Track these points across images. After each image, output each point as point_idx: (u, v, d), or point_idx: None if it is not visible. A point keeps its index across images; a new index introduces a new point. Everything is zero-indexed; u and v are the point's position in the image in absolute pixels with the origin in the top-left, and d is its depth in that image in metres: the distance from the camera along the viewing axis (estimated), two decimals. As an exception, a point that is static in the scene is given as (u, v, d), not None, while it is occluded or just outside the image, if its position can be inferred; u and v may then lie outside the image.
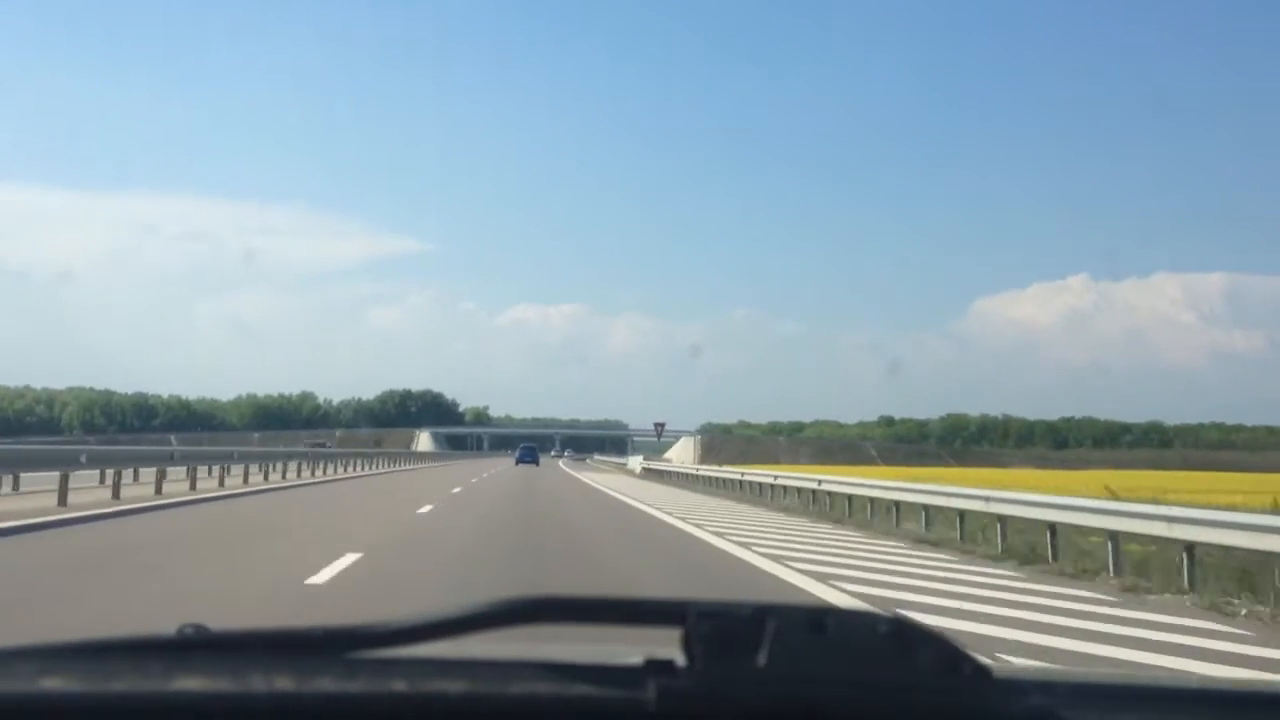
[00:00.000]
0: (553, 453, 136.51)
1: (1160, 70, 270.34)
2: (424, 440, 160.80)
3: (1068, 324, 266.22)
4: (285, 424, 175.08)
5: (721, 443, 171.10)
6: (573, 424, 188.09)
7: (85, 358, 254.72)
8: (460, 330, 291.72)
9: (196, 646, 1.07)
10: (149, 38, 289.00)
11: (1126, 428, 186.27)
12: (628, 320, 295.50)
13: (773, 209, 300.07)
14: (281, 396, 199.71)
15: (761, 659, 0.94)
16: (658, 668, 0.97)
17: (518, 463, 67.60)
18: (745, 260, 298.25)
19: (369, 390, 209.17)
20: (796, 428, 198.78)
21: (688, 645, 0.96)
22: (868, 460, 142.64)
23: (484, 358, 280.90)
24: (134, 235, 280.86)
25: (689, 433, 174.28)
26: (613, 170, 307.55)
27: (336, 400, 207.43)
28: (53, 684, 0.95)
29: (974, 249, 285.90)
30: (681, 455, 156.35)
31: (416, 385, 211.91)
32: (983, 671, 1.00)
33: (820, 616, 0.98)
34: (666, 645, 0.98)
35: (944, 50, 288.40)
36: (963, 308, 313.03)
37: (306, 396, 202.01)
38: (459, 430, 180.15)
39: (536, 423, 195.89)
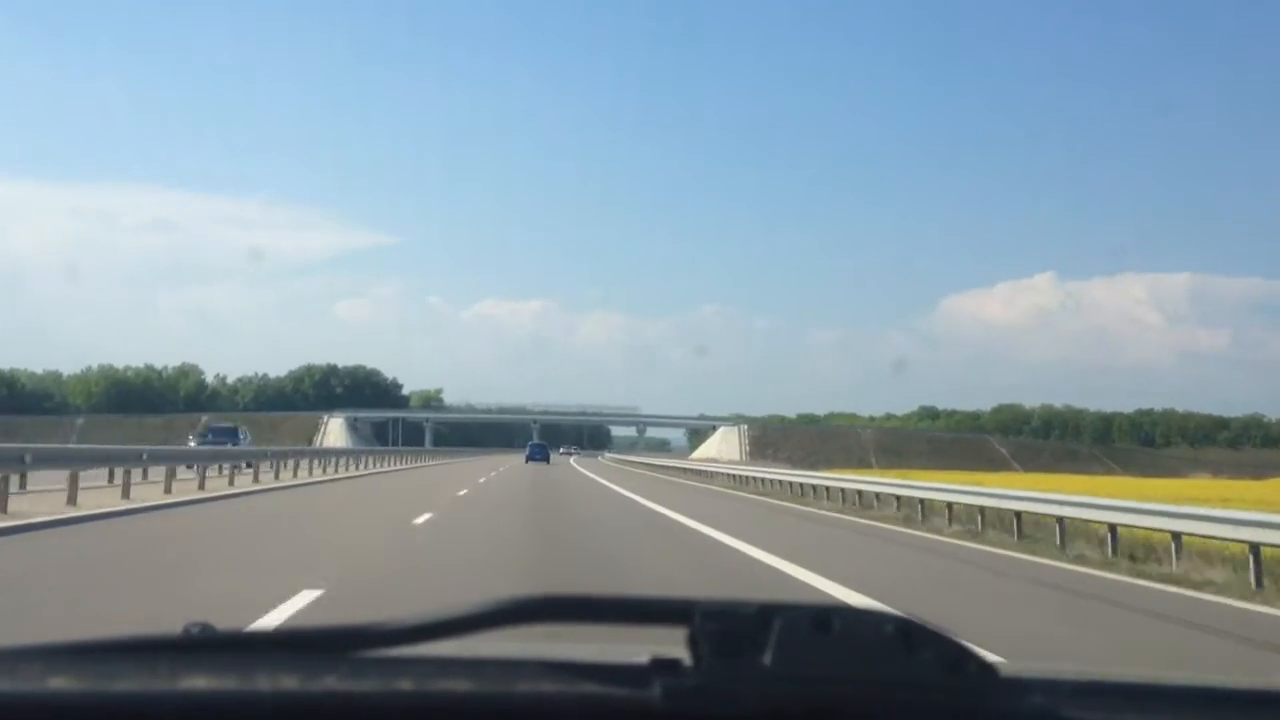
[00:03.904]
0: (562, 450, 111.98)
1: (1141, 70, 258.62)
2: (335, 429, 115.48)
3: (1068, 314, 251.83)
4: (153, 406, 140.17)
5: (779, 435, 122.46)
6: (545, 412, 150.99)
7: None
8: (423, 323, 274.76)
9: (203, 646, 1.07)
10: (114, 26, 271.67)
11: (1223, 423, 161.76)
12: (599, 316, 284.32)
13: (746, 203, 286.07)
14: (149, 369, 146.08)
15: (767, 658, 0.94)
16: (663, 667, 0.97)
17: (528, 460, 64.08)
18: (719, 254, 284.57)
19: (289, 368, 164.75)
20: (809, 420, 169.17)
21: (693, 644, 0.96)
22: (999, 463, 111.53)
23: (445, 349, 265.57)
24: (91, 224, 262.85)
25: (727, 422, 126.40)
26: (584, 163, 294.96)
27: (233, 377, 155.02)
28: (59, 683, 0.95)
29: (968, 240, 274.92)
30: (722, 451, 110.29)
31: (347, 362, 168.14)
32: (988, 670, 1.00)
33: (826, 615, 0.97)
34: (672, 645, 0.98)
35: (916, 49, 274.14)
36: (937, 301, 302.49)
37: (186, 371, 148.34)
38: (394, 415, 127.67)
39: (504, 410, 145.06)
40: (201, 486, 20.50)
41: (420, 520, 15.89)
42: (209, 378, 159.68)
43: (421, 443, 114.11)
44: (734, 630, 0.95)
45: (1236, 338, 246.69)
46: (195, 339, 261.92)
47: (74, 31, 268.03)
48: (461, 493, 24.46)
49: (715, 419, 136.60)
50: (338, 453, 43.60)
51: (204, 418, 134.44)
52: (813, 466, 64.30)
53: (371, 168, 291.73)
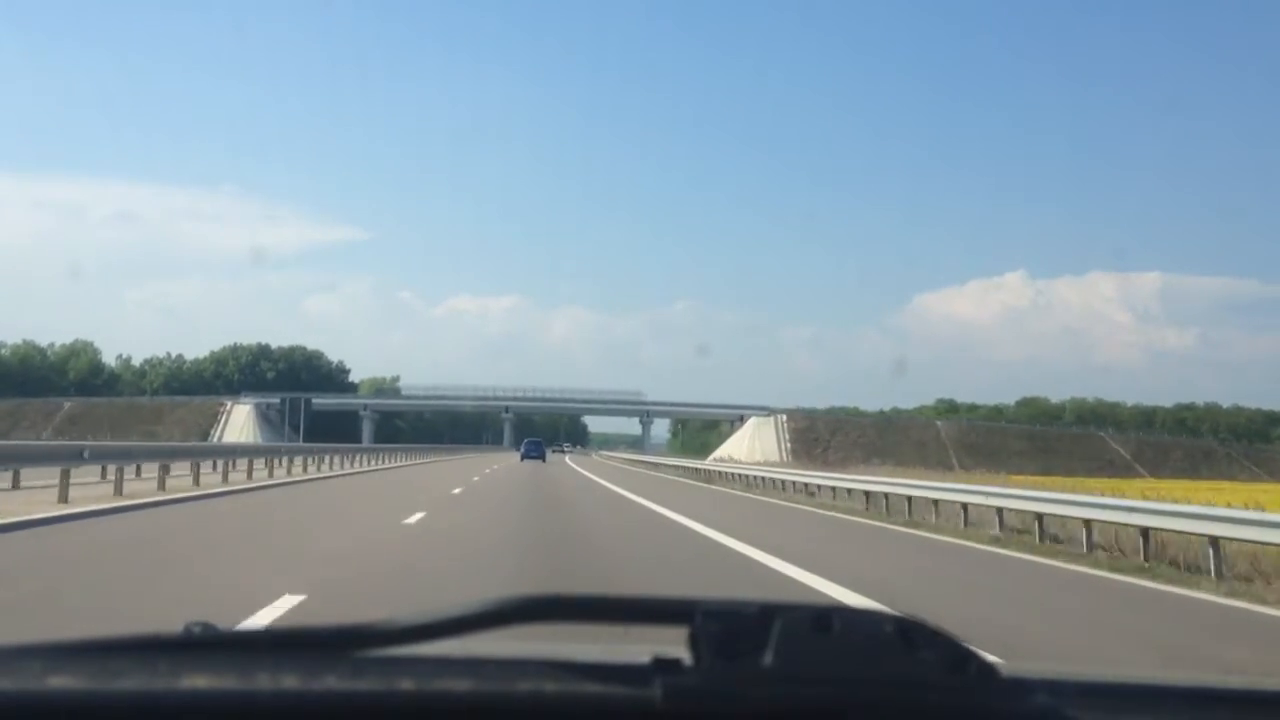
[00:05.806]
0: (555, 448, 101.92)
1: (1134, 69, 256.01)
2: (240, 419, 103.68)
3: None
4: (33, 390, 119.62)
5: (831, 429, 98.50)
6: (517, 398, 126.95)
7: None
8: (394, 318, 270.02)
9: (203, 645, 1.07)
10: (81, 18, 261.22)
11: (1275, 418, 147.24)
12: (571, 312, 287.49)
13: (722, 198, 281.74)
14: (29, 346, 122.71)
15: (768, 658, 0.94)
16: (664, 666, 0.97)
17: (524, 458, 63.59)
18: (693, 250, 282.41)
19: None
20: (822, 411, 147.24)
21: (694, 644, 0.96)
22: (1121, 467, 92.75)
23: (416, 345, 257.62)
24: (52, 216, 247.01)
25: (760, 411, 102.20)
26: (558, 158, 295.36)
27: (140, 359, 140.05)
28: (60, 682, 0.95)
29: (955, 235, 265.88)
30: (756, 447, 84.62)
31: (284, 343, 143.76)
32: (989, 670, 1.00)
33: (826, 615, 0.97)
34: (673, 644, 0.98)
35: (894, 49, 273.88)
36: (912, 297, 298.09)
37: (78, 350, 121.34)
38: (296, 396, 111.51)
39: (463, 394, 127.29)
40: None
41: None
42: (109, 358, 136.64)
43: (359, 438, 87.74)
44: (735, 630, 0.95)
45: (1205, 335, 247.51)
46: (164, 333, 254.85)
47: (44, 24, 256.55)
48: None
49: (741, 407, 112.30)
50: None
51: (66, 404, 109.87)
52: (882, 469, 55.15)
53: (344, 163, 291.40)
